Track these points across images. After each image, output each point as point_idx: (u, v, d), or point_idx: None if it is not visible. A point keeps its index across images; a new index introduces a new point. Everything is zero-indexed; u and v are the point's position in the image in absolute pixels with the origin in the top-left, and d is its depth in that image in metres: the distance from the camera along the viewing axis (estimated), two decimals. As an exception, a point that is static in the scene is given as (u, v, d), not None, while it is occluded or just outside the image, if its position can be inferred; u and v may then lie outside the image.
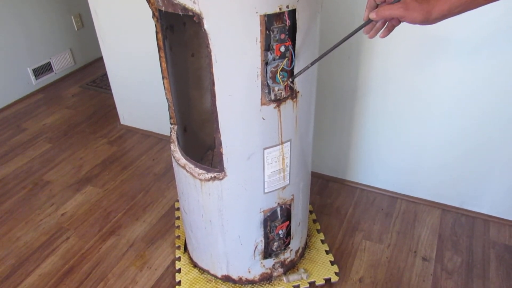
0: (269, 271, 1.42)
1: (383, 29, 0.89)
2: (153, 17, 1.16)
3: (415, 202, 1.81)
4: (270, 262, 1.40)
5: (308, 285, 1.45)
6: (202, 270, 1.50)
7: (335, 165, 1.92)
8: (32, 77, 2.81)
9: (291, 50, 0.99)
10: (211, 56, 0.96)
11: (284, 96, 1.06)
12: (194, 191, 1.26)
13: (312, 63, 1.00)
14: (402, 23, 0.86)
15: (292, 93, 1.07)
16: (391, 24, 0.88)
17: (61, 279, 1.52)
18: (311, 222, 1.70)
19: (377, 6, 0.85)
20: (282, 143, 1.14)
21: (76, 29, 3.04)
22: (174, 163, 1.33)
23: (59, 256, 1.61)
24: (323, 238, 1.63)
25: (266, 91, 1.02)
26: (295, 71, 1.04)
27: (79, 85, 2.94)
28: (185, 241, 1.60)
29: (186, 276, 1.49)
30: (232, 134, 1.09)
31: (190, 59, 1.40)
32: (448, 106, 1.53)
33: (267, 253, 1.37)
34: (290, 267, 1.49)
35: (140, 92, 2.20)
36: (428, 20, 0.78)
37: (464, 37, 1.38)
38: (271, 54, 0.97)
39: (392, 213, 1.76)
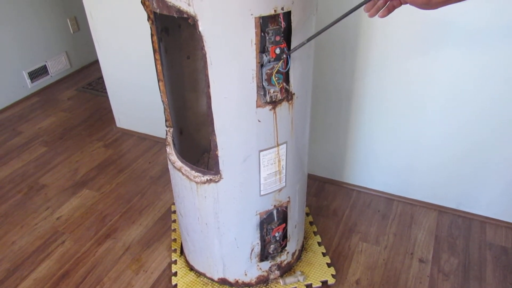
0: (265, 273, 1.42)
1: (383, 8, 0.89)
2: (148, 20, 1.15)
3: (411, 203, 1.81)
4: (266, 264, 1.40)
5: (305, 288, 1.45)
6: (199, 273, 1.49)
7: (331, 167, 1.92)
8: (28, 80, 2.80)
9: (286, 52, 0.99)
10: (206, 58, 0.96)
11: (280, 98, 1.06)
12: (190, 193, 1.25)
13: (309, 39, 0.98)
14: (403, 6, 0.86)
15: (288, 95, 1.07)
16: (391, 4, 0.88)
17: (56, 283, 1.51)
18: (307, 224, 1.70)
19: None
20: (278, 145, 1.14)
21: (71, 32, 3.04)
22: (170, 166, 1.32)
23: (54, 260, 1.60)
24: (319, 240, 1.63)
25: (262, 93, 1.02)
26: (291, 73, 1.04)
27: (75, 88, 2.93)
28: (181, 244, 1.59)
29: (182, 279, 1.49)
30: (228, 137, 1.09)
31: (185, 61, 1.40)
32: (444, 108, 1.53)
33: (263, 256, 1.37)
34: (286, 270, 1.49)
35: (136, 95, 2.20)
36: (429, 3, 0.78)
37: (460, 36, 1.38)
38: (266, 56, 0.97)
39: (389, 215, 1.76)
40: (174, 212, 1.80)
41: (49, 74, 2.94)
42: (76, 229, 1.74)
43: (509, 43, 1.32)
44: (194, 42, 1.37)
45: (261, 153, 1.12)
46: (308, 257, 1.55)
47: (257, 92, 1.01)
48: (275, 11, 0.91)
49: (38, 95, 2.84)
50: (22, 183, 2.02)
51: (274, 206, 1.27)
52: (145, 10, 1.13)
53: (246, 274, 1.40)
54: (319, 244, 1.62)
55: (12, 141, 2.35)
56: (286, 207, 1.30)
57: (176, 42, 1.33)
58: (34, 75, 2.83)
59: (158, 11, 0.99)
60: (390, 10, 0.89)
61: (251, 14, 0.90)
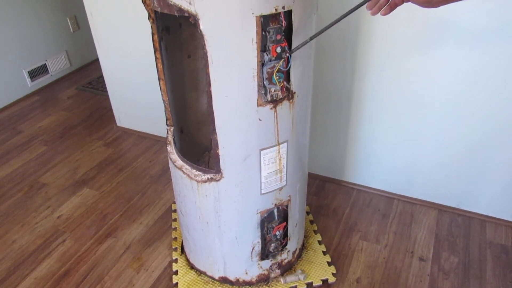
0: (266, 272, 1.42)
1: (385, 6, 0.89)
2: (149, 19, 1.15)
3: (411, 202, 1.81)
4: (267, 263, 1.40)
5: (305, 286, 1.44)
6: (199, 272, 1.50)
7: (332, 166, 1.92)
8: (28, 79, 2.80)
9: (287, 51, 0.99)
10: (207, 57, 0.96)
11: (281, 97, 1.06)
12: (191, 192, 1.25)
13: (312, 38, 0.98)
14: (404, 4, 0.86)
15: (289, 94, 1.07)
16: (394, 2, 0.88)
17: (57, 282, 1.51)
18: (308, 223, 1.70)
19: None
20: (278, 144, 1.14)
21: (71, 31, 3.04)
22: (170, 165, 1.32)
23: (55, 259, 1.60)
24: (320, 239, 1.63)
25: (263, 92, 1.02)
26: (291, 72, 1.04)
27: (75, 87, 2.93)
28: (182, 243, 1.60)
29: (183, 278, 1.49)
30: (229, 136, 1.09)
31: (186, 60, 1.40)
32: (444, 107, 1.53)
33: (264, 255, 1.37)
34: (287, 268, 1.49)
35: (136, 94, 2.20)
36: (430, 1, 0.78)
37: (460, 35, 1.38)
38: (267, 55, 0.97)
39: (389, 214, 1.77)
40: (175, 211, 1.80)
41: (49, 73, 2.94)
42: (77, 228, 1.74)
43: (510, 43, 1.33)
44: (195, 41, 1.37)
45: (262, 152, 1.12)
46: (309, 256, 1.56)
47: (258, 91, 1.01)
48: (276, 10, 0.91)
49: (38, 94, 2.84)
50: (22, 182, 2.02)
51: (275, 204, 1.27)
52: (146, 9, 1.13)
53: (247, 273, 1.40)
54: (320, 242, 1.62)
55: (12, 140, 2.35)
56: (287, 206, 1.30)
57: (177, 41, 1.33)
58: (34, 74, 2.83)
59: (159, 10, 0.99)
60: (392, 8, 0.89)
61: (252, 13, 0.90)
